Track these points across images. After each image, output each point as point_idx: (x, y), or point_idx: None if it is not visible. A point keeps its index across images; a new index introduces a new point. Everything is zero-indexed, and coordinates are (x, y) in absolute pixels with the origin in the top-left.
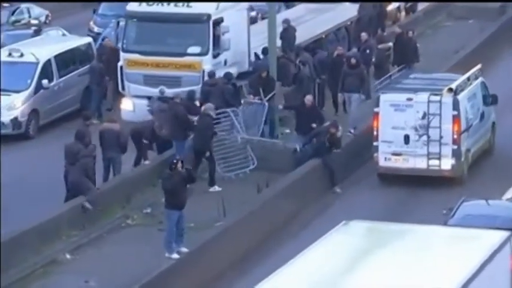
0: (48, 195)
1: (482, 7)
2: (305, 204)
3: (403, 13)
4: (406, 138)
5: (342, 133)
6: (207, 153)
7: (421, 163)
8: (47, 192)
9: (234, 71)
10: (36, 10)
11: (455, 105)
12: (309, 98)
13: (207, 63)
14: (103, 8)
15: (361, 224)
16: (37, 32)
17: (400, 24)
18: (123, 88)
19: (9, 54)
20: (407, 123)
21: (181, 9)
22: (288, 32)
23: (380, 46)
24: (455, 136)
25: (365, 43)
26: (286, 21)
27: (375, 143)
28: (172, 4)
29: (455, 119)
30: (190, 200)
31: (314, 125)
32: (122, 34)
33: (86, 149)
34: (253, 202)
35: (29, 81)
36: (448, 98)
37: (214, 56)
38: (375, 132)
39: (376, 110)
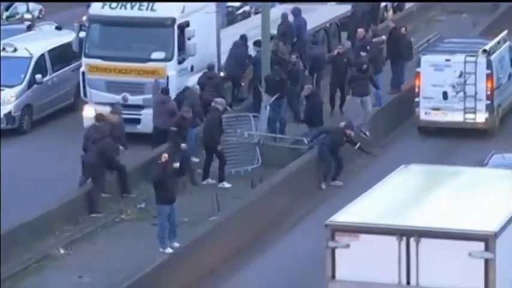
0: (42, 190)
1: (475, 1)
2: (299, 198)
3: (390, 12)
4: (445, 95)
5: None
6: (219, 147)
7: (457, 117)
8: (41, 187)
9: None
10: (30, 5)
11: (489, 65)
12: (308, 87)
13: (171, 69)
14: None
15: (419, 167)
16: (30, 28)
17: (393, 19)
18: (85, 95)
19: (3, 49)
20: (445, 81)
21: (145, 12)
22: (286, 26)
23: (374, 40)
24: (488, 92)
25: (363, 39)
26: (284, 15)
27: (416, 99)
28: (136, 7)
29: (489, 77)
30: (183, 194)
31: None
32: (84, 38)
33: (97, 131)
34: (247, 197)
35: (22, 76)
36: (482, 59)
37: (180, 62)
38: (417, 90)
39: (417, 70)
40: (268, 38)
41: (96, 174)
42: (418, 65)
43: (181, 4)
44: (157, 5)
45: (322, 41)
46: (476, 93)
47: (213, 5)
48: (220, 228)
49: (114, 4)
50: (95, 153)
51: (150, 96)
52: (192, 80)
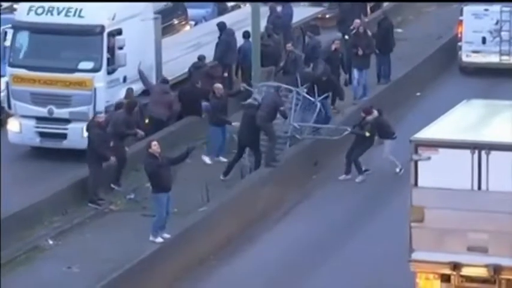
0: (32, 182)
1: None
2: (289, 189)
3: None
4: (483, 40)
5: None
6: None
7: (494, 58)
8: (31, 179)
9: (137, 88)
10: None
11: None
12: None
13: (100, 80)
14: None
15: (479, 101)
16: None
17: (383, 10)
18: (9, 107)
19: None
20: (484, 28)
21: (72, 19)
22: (275, 16)
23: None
24: None
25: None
26: (272, 6)
27: (459, 44)
28: (63, 14)
29: None
30: (174, 184)
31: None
32: (9, 46)
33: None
34: (237, 187)
35: None
36: None
37: (109, 72)
38: (459, 35)
39: (460, 18)
40: (258, 30)
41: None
42: (461, 13)
43: (112, 11)
44: (85, 11)
45: (298, 38)
46: (510, 38)
47: (150, 10)
48: (210, 218)
49: (40, 10)
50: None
51: (77, 109)
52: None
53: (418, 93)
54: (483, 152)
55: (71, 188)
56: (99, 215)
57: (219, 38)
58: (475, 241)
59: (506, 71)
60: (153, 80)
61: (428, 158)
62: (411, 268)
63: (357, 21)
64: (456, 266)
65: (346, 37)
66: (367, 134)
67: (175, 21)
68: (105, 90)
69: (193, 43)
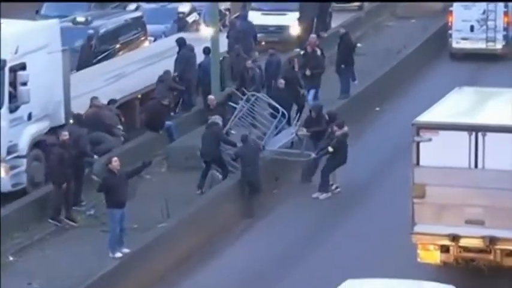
0: None
1: (424, 6)
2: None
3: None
4: (471, 28)
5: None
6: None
7: (481, 45)
8: None
9: (44, 125)
10: None
11: (506, 4)
12: (281, 82)
13: (1, 118)
14: (46, 8)
15: (470, 88)
16: None
17: (343, 24)
18: None
19: None
20: (472, 17)
21: None
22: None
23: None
24: (505, 25)
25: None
26: (232, 21)
27: (449, 31)
28: None
29: (506, 14)
30: (133, 200)
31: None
32: None
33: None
34: (197, 203)
35: None
36: None
37: (12, 110)
38: (450, 24)
39: (450, 8)
40: (217, 46)
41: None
42: (451, 4)
43: (15, 43)
44: None
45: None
46: (495, 26)
47: (58, 43)
48: (170, 234)
49: None
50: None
51: None
52: (30, 130)
53: (377, 108)
54: (479, 134)
55: (31, 205)
56: (59, 231)
57: (178, 53)
58: (472, 215)
59: (491, 56)
60: (62, 118)
61: (429, 140)
62: (413, 240)
63: (313, 36)
64: (455, 238)
65: (302, 52)
66: (330, 149)
67: (134, 37)
68: (7, 130)
69: (115, 73)
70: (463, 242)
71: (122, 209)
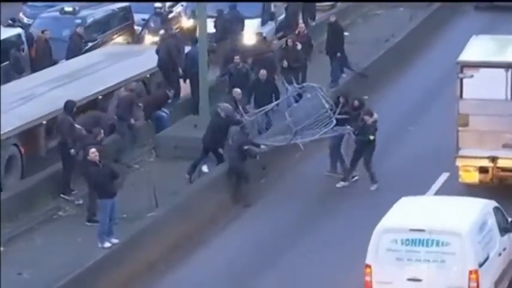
0: None
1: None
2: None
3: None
4: None
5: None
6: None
7: None
8: None
9: None
10: None
11: None
12: (263, 73)
13: None
14: None
15: (486, 36)
16: None
17: (333, 12)
18: None
19: None
20: None
21: None
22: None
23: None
24: None
25: (304, 37)
26: (219, 11)
27: None
28: None
29: None
30: (122, 190)
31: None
32: None
33: None
34: (185, 193)
35: None
36: None
37: None
38: None
39: None
40: (205, 37)
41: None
42: None
43: None
44: None
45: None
46: None
47: None
48: (158, 224)
49: None
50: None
51: None
52: None
53: (366, 97)
54: None
55: (19, 195)
56: (48, 220)
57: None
58: (508, 139)
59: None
60: None
61: (471, 76)
62: (457, 163)
63: (301, 25)
64: (494, 159)
65: (283, 46)
66: (372, 137)
67: (122, 27)
68: None
69: (23, 95)
70: (500, 163)
71: (113, 199)
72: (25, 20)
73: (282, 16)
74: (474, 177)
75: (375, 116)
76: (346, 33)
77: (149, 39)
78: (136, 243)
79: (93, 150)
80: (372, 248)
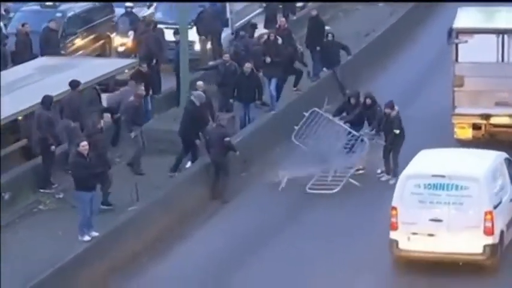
0: None
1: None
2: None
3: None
4: None
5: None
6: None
7: None
8: None
9: None
10: None
11: None
12: (248, 66)
13: None
14: None
15: (471, 7)
16: None
17: (314, 7)
18: None
19: None
20: None
21: None
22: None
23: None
24: None
25: (284, 30)
26: (202, 5)
27: None
28: None
29: None
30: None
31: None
32: None
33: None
34: (166, 187)
35: None
36: None
37: None
38: None
39: None
40: (186, 32)
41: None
42: None
43: None
44: None
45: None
46: None
47: None
48: (140, 217)
49: None
50: None
51: None
52: None
53: (347, 91)
54: (505, 36)
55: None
56: (28, 215)
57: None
58: (500, 98)
59: None
60: None
61: (466, 41)
62: (453, 120)
63: (282, 19)
64: (487, 116)
65: (263, 40)
66: (397, 131)
67: (103, 21)
68: None
69: None
70: (493, 120)
71: (92, 192)
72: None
73: (242, 21)
74: (468, 133)
75: (396, 108)
76: (327, 28)
77: (118, 40)
78: (117, 236)
79: (84, 143)
80: (398, 192)
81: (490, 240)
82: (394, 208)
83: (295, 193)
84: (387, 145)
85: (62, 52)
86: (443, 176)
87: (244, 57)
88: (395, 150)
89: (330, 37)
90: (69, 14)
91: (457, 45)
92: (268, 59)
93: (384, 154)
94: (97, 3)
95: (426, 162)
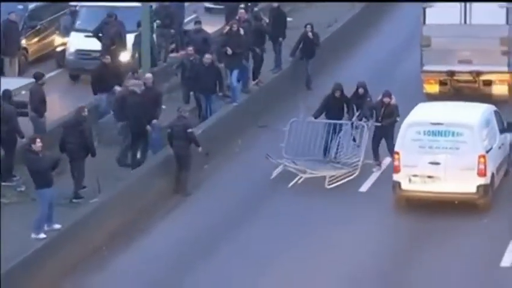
0: None
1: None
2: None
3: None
4: None
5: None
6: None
7: None
8: None
9: None
10: None
11: None
12: (208, 57)
13: None
14: None
15: None
16: None
17: None
18: None
19: None
20: None
21: None
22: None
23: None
24: None
25: (244, 22)
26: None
27: None
28: None
29: None
30: (65, 176)
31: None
32: None
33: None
34: (128, 179)
35: None
36: None
37: None
38: None
39: None
40: (148, 29)
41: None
42: None
43: None
44: None
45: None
46: None
47: None
48: (101, 210)
49: None
50: None
51: None
52: None
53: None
54: (467, 3)
55: None
56: None
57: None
58: (463, 57)
59: None
60: None
61: (431, 6)
62: (421, 77)
63: (242, 10)
64: (452, 73)
65: (225, 31)
66: (398, 119)
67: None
68: None
69: None
70: (457, 76)
71: (51, 188)
72: None
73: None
74: (435, 88)
75: (393, 97)
76: (289, 19)
77: (59, 40)
78: (79, 229)
79: (38, 140)
80: (400, 138)
81: (482, 181)
82: (397, 153)
83: (258, 185)
84: (381, 133)
85: (23, 44)
86: (441, 124)
87: (204, 49)
88: (390, 140)
89: (308, 28)
90: (31, 6)
91: (424, 9)
92: (229, 51)
93: (374, 144)
94: (39, 4)
95: (425, 112)
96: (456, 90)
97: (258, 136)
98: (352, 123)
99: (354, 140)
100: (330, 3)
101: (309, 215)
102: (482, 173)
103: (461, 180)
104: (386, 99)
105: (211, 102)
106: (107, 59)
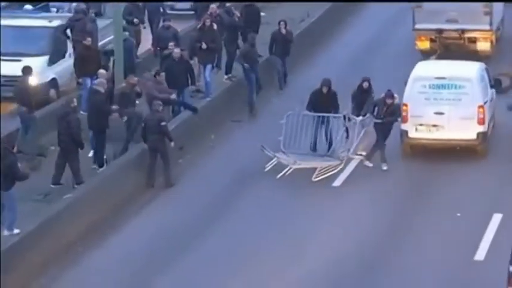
0: None
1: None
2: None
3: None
4: None
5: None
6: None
7: None
8: None
9: None
10: None
11: None
12: (177, 51)
13: None
14: None
15: None
16: None
17: None
18: None
19: None
20: None
21: None
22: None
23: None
24: None
25: (216, 17)
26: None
27: None
28: None
29: None
30: (39, 173)
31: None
32: None
33: None
34: (103, 174)
35: None
36: None
37: None
38: None
39: None
40: (120, 29)
41: None
42: None
43: None
44: None
45: None
46: None
47: None
48: (75, 205)
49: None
50: None
51: None
52: None
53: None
54: None
55: None
56: None
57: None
58: (450, 16)
59: None
60: None
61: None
62: (414, 34)
63: (213, 6)
64: (440, 31)
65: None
66: (399, 119)
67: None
68: None
69: None
70: (445, 34)
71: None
72: None
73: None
74: (426, 45)
75: (396, 96)
76: (262, 14)
77: None
78: (52, 225)
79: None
80: (407, 91)
81: (482, 128)
82: (405, 105)
83: (232, 180)
84: (378, 130)
85: None
86: (444, 78)
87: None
88: (386, 135)
89: (282, 25)
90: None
91: (414, 10)
92: (204, 45)
93: (380, 144)
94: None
95: (428, 68)
96: (445, 46)
97: (232, 130)
98: (344, 116)
99: (347, 131)
100: None
101: (292, 205)
102: (481, 122)
103: (463, 128)
104: (389, 100)
105: (184, 96)
106: (88, 41)
